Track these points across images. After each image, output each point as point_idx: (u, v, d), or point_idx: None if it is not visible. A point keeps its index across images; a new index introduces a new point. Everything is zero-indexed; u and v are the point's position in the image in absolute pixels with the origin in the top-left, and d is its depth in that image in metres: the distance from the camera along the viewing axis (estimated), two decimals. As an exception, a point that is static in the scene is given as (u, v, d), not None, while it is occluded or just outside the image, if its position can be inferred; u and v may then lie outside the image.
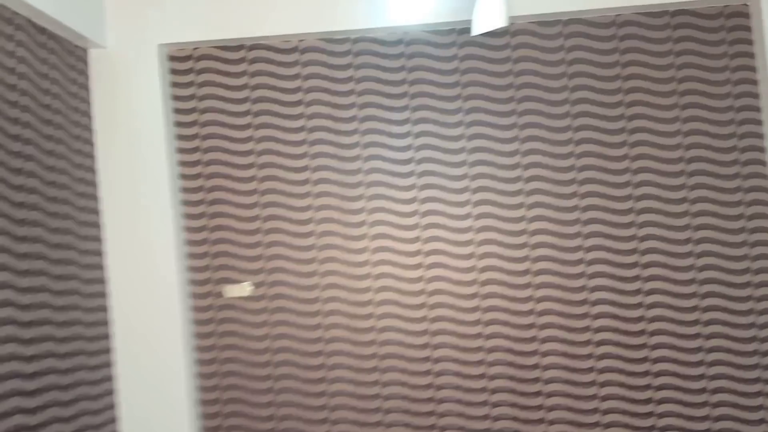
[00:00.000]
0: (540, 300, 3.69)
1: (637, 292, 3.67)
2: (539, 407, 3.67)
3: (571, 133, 3.73)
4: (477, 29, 2.44)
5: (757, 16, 3.60)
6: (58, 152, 3.25)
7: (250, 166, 3.78)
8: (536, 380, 3.68)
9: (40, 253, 3.01)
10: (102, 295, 3.53)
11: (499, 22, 2.38)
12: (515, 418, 3.68)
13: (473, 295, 3.71)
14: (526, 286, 3.70)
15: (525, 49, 3.75)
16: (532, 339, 3.69)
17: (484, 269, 3.71)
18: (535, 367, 3.68)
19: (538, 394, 3.68)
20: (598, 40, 3.73)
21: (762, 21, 3.54)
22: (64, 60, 3.38)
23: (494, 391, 3.69)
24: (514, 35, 3.71)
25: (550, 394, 3.68)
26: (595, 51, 3.73)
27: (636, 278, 3.67)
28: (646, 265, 3.67)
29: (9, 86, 2.92)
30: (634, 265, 3.68)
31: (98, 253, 3.54)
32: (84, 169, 3.48)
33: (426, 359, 3.71)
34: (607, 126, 3.72)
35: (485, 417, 3.69)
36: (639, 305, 3.67)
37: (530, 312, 3.69)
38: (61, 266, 3.16)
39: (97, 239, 3.55)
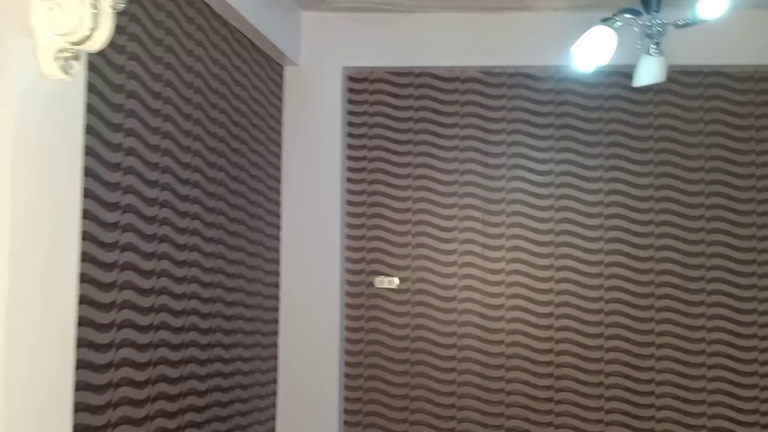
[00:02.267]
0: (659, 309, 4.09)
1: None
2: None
3: (703, 173, 4.11)
4: (639, 81, 2.88)
5: None
6: (259, 151, 3.92)
7: (407, 176, 4.34)
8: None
9: (242, 233, 3.69)
10: (276, 273, 4.18)
11: (660, 77, 2.82)
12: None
13: (598, 311, 4.13)
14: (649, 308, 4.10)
15: (665, 94, 4.15)
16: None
17: (609, 288, 4.13)
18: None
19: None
20: (737, 92, 4.10)
21: None
22: (268, 74, 4.06)
23: (609, 398, 4.10)
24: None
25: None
26: (731, 101, 4.10)
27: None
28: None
29: (234, 95, 3.60)
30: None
31: (277, 237, 4.20)
32: (274, 167, 4.15)
33: (549, 363, 4.15)
34: (738, 171, 4.08)
35: (599, 417, 4.10)
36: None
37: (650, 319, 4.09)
38: (254, 245, 3.83)
39: (277, 226, 4.21)
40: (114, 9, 1.59)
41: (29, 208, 1.52)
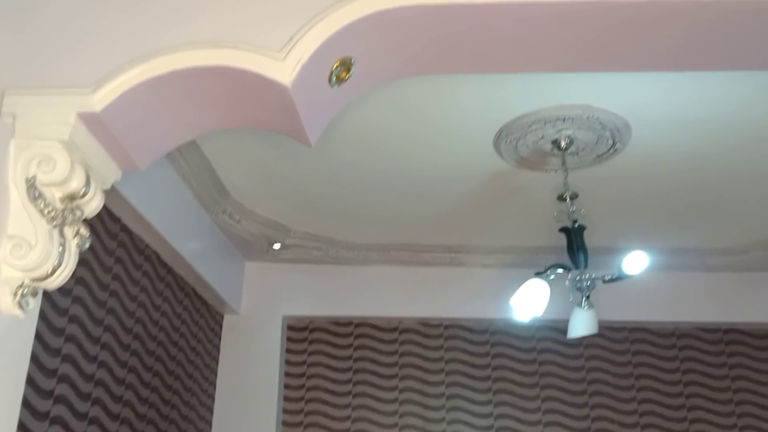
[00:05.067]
0: None
1: None
2: None
3: (639, 429, 4.13)
4: (573, 333, 3.01)
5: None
6: (192, 403, 3.75)
7: (345, 431, 4.18)
8: None
9: (165, 492, 3.38)
10: None
11: (592, 329, 2.96)
12: None
13: None
14: None
15: (595, 349, 4.31)
16: None
17: None
18: None
19: None
20: (660, 348, 4.30)
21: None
22: (208, 322, 4.04)
23: None
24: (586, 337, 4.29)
25: None
26: (657, 357, 4.28)
27: None
28: None
29: (173, 342, 3.54)
30: None
31: (201, 499, 3.85)
32: (205, 422, 3.94)
33: None
34: (671, 427, 4.12)
35: None
36: None
37: None
38: (175, 507, 3.49)
39: (202, 485, 3.89)
40: (80, 248, 1.62)
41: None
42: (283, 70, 1.60)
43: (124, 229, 3.02)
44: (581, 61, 2.07)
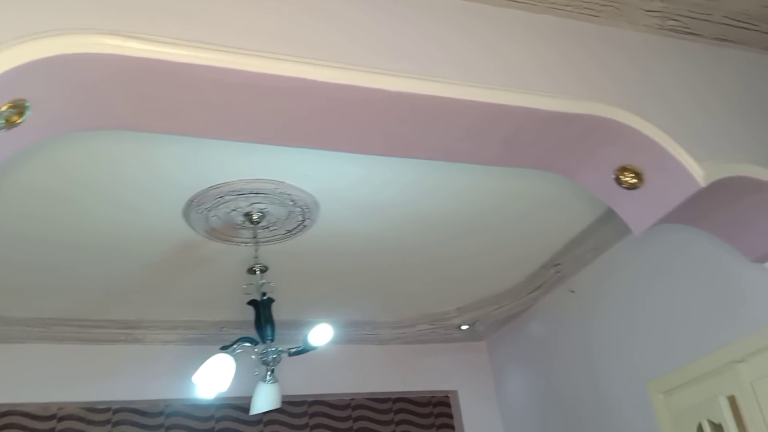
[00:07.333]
0: None
1: None
2: None
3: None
4: (256, 409, 2.91)
5: (455, 405, 4.60)
6: None
7: None
8: None
9: None
10: None
11: (276, 403, 2.89)
12: None
13: None
14: None
15: (275, 425, 4.25)
16: None
17: None
18: None
19: None
20: (337, 420, 4.40)
21: (459, 409, 4.53)
22: None
23: None
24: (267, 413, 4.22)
25: None
26: (334, 429, 4.37)
27: None
28: None
29: None
30: None
31: None
32: None
33: None
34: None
35: None
36: None
37: None
38: None
39: None
40: None
41: None
42: (-65, 105, 1.31)
43: None
44: (278, 135, 2.07)
